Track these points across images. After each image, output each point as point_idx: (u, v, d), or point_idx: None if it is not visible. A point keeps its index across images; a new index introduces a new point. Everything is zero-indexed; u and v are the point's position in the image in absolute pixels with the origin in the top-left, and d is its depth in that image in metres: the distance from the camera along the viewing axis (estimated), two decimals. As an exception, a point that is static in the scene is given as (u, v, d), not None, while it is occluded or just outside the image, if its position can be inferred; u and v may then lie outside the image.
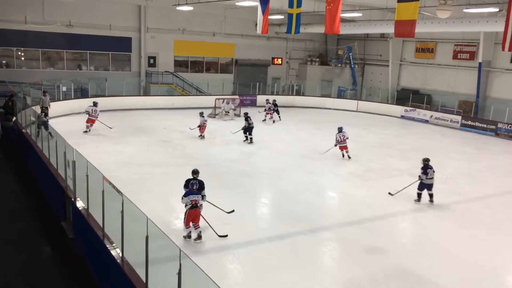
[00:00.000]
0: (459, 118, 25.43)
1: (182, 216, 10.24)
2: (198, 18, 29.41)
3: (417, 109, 27.51)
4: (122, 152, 15.96)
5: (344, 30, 26.07)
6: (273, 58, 33.55)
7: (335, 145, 16.63)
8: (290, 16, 18.75)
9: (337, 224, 10.73)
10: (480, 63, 26.02)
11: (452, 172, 15.68)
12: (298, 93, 32.28)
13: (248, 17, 29.35)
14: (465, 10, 20.06)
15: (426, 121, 26.63)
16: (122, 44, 28.29)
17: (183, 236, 9.21)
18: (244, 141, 18.71)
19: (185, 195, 9.05)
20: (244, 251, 9.02)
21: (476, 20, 20.56)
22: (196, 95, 29.19)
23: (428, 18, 22.12)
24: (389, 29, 18.69)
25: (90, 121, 18.66)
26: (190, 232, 9.19)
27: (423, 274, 8.37)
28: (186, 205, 9.09)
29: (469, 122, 24.86)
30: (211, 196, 10.01)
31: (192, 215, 9.06)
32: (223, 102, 25.02)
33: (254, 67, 32.61)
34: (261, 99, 28.95)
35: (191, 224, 9.12)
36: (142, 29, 28.50)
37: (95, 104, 18.85)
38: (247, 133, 18.78)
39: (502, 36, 12.94)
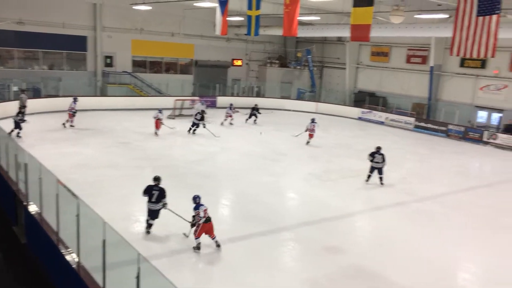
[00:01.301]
0: (412, 120, 26.39)
1: (141, 218, 10.10)
2: (156, 17, 28.99)
3: (373, 111, 28.33)
4: (79, 154, 15.50)
5: (302, 33, 26.48)
6: (233, 60, 33.56)
7: (306, 131, 19.54)
8: (249, 18, 18.84)
9: (297, 224, 10.87)
10: (431, 67, 27.15)
11: (406, 172, 16.26)
12: (258, 94, 32.50)
13: (207, 18, 29.19)
14: (416, 16, 20.88)
15: (382, 123, 27.46)
16: (77, 43, 27.43)
17: (193, 247, 8.91)
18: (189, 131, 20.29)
19: (196, 208, 8.92)
20: (205, 253, 8.97)
21: (427, 25, 21.41)
22: (155, 96, 28.74)
23: (382, 23, 22.82)
24: (346, 33, 19.14)
25: (69, 116, 19.53)
26: (199, 243, 8.90)
27: (380, 272, 8.63)
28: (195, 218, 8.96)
29: (422, 124, 25.86)
30: (172, 198, 9.89)
31: (206, 228, 8.88)
32: (192, 103, 24.94)
33: (214, 68, 32.50)
34: (221, 100, 28.93)
35: (203, 235, 8.90)
36: (97, 28, 27.75)
37: (74, 99, 19.71)
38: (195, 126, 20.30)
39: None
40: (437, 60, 27.01)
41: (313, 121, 19.80)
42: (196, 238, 8.88)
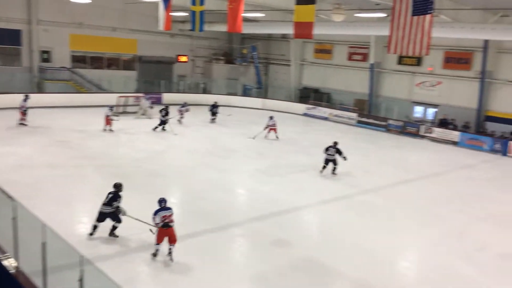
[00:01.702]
0: (355, 115, 27.28)
1: (84, 219, 9.78)
2: (96, 11, 27.90)
3: (318, 107, 28.99)
4: (15, 154, 14.68)
5: (247, 29, 26.50)
6: (178, 56, 33.02)
7: (265, 129, 20.25)
8: (193, 13, 18.67)
9: (246, 220, 10.94)
10: (371, 64, 28.18)
11: (350, 166, 16.74)
12: (204, 91, 32.25)
13: (150, 13, 28.48)
14: (356, 15, 21.58)
15: (326, 118, 28.16)
16: (10, 37, 25.87)
17: (151, 254, 8.54)
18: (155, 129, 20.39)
19: (155, 213, 8.50)
20: (151, 252, 8.79)
21: (367, 24, 22.21)
22: (97, 93, 27.72)
23: (324, 21, 23.38)
24: (290, 30, 19.40)
25: (21, 114, 19.16)
26: (157, 250, 8.52)
27: (328, 263, 8.87)
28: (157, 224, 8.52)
29: (364, 119, 26.80)
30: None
31: (164, 233, 8.47)
32: (136, 100, 24.30)
33: (159, 64, 31.85)
34: (167, 97, 28.44)
35: (165, 241, 8.50)
36: (33, 21, 26.31)
37: (26, 97, 19.40)
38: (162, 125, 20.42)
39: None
40: (376, 57, 28.08)
41: (272, 118, 20.55)
42: (155, 244, 8.55)
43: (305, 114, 29.23)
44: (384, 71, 28.47)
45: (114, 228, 9.26)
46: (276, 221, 11.00)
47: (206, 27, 23.60)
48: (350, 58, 30.22)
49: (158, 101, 28.00)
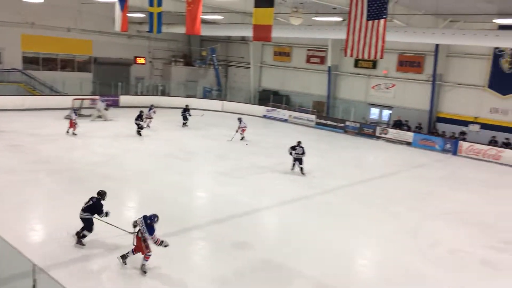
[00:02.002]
0: (313, 117, 27.74)
1: (38, 227, 9.48)
2: (49, 11, 26.96)
3: (277, 109, 29.27)
4: (-40, 160, 13.96)
5: (206, 31, 26.43)
6: (135, 57, 32.41)
7: (237, 131, 20.72)
8: (151, 15, 18.44)
9: (206, 222, 10.88)
10: (329, 67, 28.77)
11: (309, 167, 17.02)
12: (163, 93, 31.84)
13: (106, 13, 27.83)
14: (314, 18, 21.98)
15: (286, 120, 28.47)
16: (-45, 37, 24.65)
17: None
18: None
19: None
20: (109, 259, 8.59)
21: (324, 28, 22.63)
22: (50, 95, 26.79)
23: (283, 24, 23.66)
24: (249, 33, 19.52)
25: None
26: (128, 253, 8.32)
27: (287, 264, 8.97)
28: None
29: (322, 121, 27.29)
30: (71, 203, 9.34)
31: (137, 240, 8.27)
32: (93, 102, 23.67)
33: (116, 66, 31.16)
34: (124, 99, 27.90)
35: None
36: (-19, 21, 25.18)
37: None
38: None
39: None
40: (334, 60, 28.69)
41: (241, 120, 21.03)
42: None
43: (264, 116, 29.42)
44: (341, 73, 29.12)
45: (83, 236, 8.98)
46: (237, 223, 11.02)
47: (164, 29, 23.35)
48: (308, 61, 30.72)
49: (115, 104, 27.44)
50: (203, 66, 34.64)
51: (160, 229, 9.94)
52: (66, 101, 23.83)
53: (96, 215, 8.99)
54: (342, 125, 26.37)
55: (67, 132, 19.12)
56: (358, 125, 25.80)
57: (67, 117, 22.36)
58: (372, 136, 24.83)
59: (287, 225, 11.41)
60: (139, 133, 20.17)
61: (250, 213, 11.77)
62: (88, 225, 8.96)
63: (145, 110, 21.76)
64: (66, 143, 17.70)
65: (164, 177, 14.17)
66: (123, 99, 28.05)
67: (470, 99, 23.79)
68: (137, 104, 28.07)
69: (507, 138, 21.51)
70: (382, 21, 13.09)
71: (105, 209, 9.01)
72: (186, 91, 32.51)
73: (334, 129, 26.48)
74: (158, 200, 12.05)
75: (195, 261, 9.21)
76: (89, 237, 8.99)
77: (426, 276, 8.99)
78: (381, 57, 13.92)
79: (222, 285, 8.04)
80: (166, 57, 34.64)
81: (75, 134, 19.06)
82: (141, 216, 8.33)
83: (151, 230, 8.12)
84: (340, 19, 22.15)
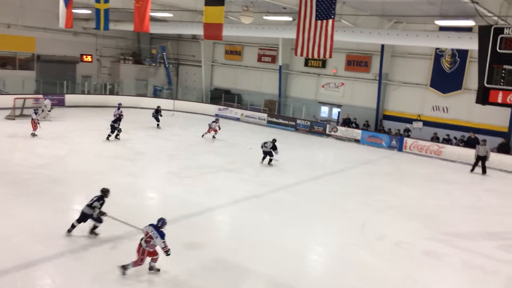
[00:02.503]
0: (265, 115, 27.97)
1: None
2: (-13, 6, 25.59)
3: (230, 108, 29.26)
4: None
5: (156, 29, 26.02)
6: (82, 55, 31.33)
7: (208, 132, 21.26)
8: (97, 11, 17.91)
9: (157, 224, 10.67)
10: (280, 66, 29.10)
11: (261, 166, 17.18)
12: (112, 92, 30.96)
13: (50, 9, 26.72)
14: (265, 17, 22.16)
15: (238, 119, 28.52)
16: None
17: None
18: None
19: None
20: (54, 264, 8.28)
21: (275, 27, 22.88)
22: (-11, 95, 25.40)
23: (234, 22, 23.69)
24: (199, 31, 19.40)
25: None
26: (129, 265, 8.03)
27: (241, 263, 8.98)
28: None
29: (274, 119, 27.58)
30: (12, 207, 8.89)
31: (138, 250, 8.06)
32: (36, 101, 22.62)
33: (61, 64, 29.92)
34: (70, 98, 26.91)
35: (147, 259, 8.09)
36: None
37: None
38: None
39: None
40: (284, 59, 29.04)
41: (215, 121, 21.56)
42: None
43: (216, 115, 29.29)
44: (292, 72, 29.54)
45: (94, 227, 9.51)
46: (189, 223, 10.92)
47: (112, 26, 22.73)
48: (260, 60, 30.93)
49: (60, 103, 26.40)
50: (153, 64, 34.02)
51: (110, 232, 9.73)
52: (7, 100, 22.63)
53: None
54: (293, 123, 26.76)
55: (33, 134, 18.33)
56: (309, 123, 26.28)
57: (9, 117, 21.34)
58: (322, 134, 25.38)
59: (240, 224, 11.44)
60: (117, 136, 19.27)
61: (202, 213, 11.69)
62: (84, 218, 9.40)
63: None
64: (6, 144, 16.83)
65: (112, 179, 13.75)
66: (69, 98, 27.05)
67: (414, 98, 24.86)
68: (84, 104, 27.27)
69: (447, 135, 22.67)
70: (330, 21, 13.42)
71: (101, 209, 9.38)
72: (136, 90, 31.79)
73: (286, 127, 26.83)
74: (106, 202, 11.68)
75: (146, 264, 9.00)
76: (29, 240, 8.59)
77: (374, 268, 9.31)
78: (330, 57, 14.27)
79: (174, 287, 7.94)
80: (114, 55, 33.71)
81: (35, 135, 18.35)
82: (147, 225, 8.17)
83: (162, 234, 8.09)
84: (290, 18, 22.47)
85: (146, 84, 32.55)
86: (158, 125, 23.09)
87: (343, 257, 9.77)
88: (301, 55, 14.35)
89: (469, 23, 17.64)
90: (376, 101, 25.76)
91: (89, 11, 25.47)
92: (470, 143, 21.48)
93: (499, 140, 21.21)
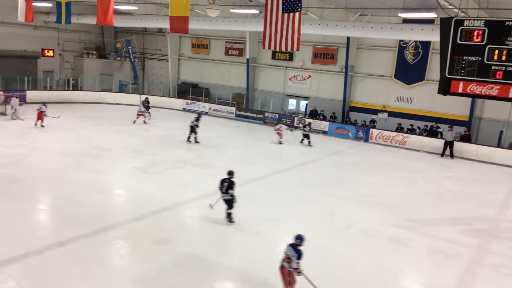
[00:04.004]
0: (233, 109, 27.92)
1: None
2: None
3: (197, 102, 29.05)
4: None
5: (120, 22, 25.51)
6: (43, 50, 30.30)
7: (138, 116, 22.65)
8: (58, 4, 17.41)
9: (124, 221, 10.53)
10: (247, 59, 29.05)
11: (230, 158, 17.15)
12: (75, 87, 30.18)
13: (8, 2, 25.73)
14: (232, 10, 22.04)
15: (206, 113, 28.33)
16: None
17: None
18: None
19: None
20: (18, 266, 8.03)
21: (242, 20, 22.80)
22: None
23: (200, 15, 23.45)
24: (165, 24, 19.13)
25: None
26: None
27: (210, 257, 8.97)
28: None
29: (242, 113, 27.56)
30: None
31: (281, 272, 7.47)
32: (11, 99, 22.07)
33: (21, 59, 28.86)
34: (31, 95, 26.06)
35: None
36: None
37: None
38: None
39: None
40: (252, 52, 29.01)
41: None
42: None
43: (184, 110, 29.06)
44: (260, 65, 29.56)
45: (228, 214, 10.56)
46: (157, 219, 10.81)
47: (74, 20, 22.14)
48: (227, 53, 30.78)
49: (21, 100, 25.47)
50: (118, 58, 33.34)
51: (74, 231, 9.53)
52: (-37, 97, 21.72)
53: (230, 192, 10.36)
54: (261, 116, 26.82)
55: (35, 124, 19.78)
56: (277, 116, 26.40)
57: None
58: (290, 126, 25.51)
59: (208, 218, 11.38)
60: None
61: (170, 208, 11.60)
62: (230, 204, 10.50)
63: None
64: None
65: (77, 177, 13.46)
66: (30, 94, 26.19)
67: (379, 89, 25.36)
68: (47, 100, 26.40)
69: (411, 125, 23.26)
70: (297, 14, 13.49)
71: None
72: (101, 85, 31.08)
73: (254, 120, 26.87)
74: (71, 200, 11.45)
75: (113, 262, 8.88)
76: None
77: (342, 255, 9.53)
78: (297, 49, 14.36)
79: (144, 283, 7.86)
80: (77, 49, 32.83)
81: (43, 126, 19.83)
82: (287, 245, 7.51)
83: (299, 254, 7.35)
84: (257, 11, 22.43)
85: (111, 79, 31.84)
86: (148, 117, 23.57)
87: (312, 245, 9.83)
88: (269, 48, 14.37)
89: (432, 15, 18.10)
90: (342, 93, 26.13)
91: (50, 4, 24.65)
92: (432, 133, 22.16)
93: (461, 130, 21.96)
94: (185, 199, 12.38)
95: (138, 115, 22.99)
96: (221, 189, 10.54)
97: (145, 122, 22.94)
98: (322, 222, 11.38)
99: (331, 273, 8.72)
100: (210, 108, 28.47)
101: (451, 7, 15.90)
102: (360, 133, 23.64)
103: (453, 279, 8.96)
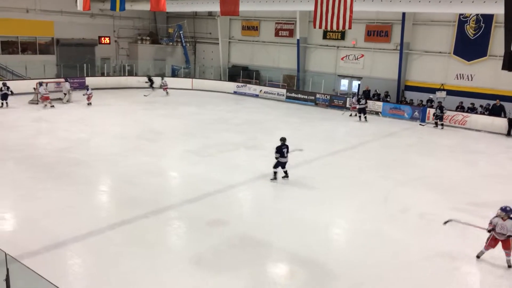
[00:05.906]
0: (284, 91, 27.75)
1: (7, 216, 9.29)
2: (5, -9, 25.81)
3: (248, 85, 29.13)
4: None
5: (172, 7, 25.88)
6: (100, 37, 31.51)
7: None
8: (113, -8, 17.82)
9: (180, 202, 10.85)
10: (298, 40, 28.63)
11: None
12: (131, 73, 31.15)
13: (66, -7, 26.94)
14: (282, -10, 21.69)
15: (257, 96, 28.39)
16: None
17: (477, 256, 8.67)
18: None
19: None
20: (82, 245, 8.50)
21: (292, 0, 22.39)
22: (13, 80, 25.83)
23: (250, -3, 23.24)
24: (216, 8, 19.19)
25: None
26: (481, 252, 8.61)
27: (263, 238, 9.06)
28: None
29: (293, 94, 27.34)
30: (38, 190, 9.10)
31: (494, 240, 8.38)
32: (58, 85, 23.15)
33: (80, 47, 30.20)
34: (90, 81, 27.18)
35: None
36: None
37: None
38: None
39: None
40: (302, 33, 28.55)
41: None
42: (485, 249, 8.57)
43: (235, 93, 29.25)
44: (310, 46, 29.06)
45: (285, 172, 12.37)
46: (211, 201, 11.03)
47: (128, 7, 22.71)
48: (277, 34, 30.49)
49: (81, 86, 26.72)
50: (170, 43, 33.98)
51: (133, 212, 9.94)
52: (30, 85, 23.01)
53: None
54: (312, 97, 26.49)
55: (45, 105, 21.12)
56: (328, 97, 25.96)
57: (32, 101, 21.73)
58: (342, 107, 25.05)
59: (262, 200, 11.50)
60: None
61: (223, 190, 11.78)
62: (284, 165, 12.25)
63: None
64: (31, 129, 17.21)
65: (133, 160, 13.97)
66: (89, 80, 27.31)
67: (436, 66, 24.21)
68: (104, 86, 27.50)
69: (472, 103, 22.08)
70: (348, -9, 13.08)
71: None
72: (154, 70, 31.89)
73: (305, 102, 26.60)
74: (129, 183, 11.93)
75: (170, 241, 9.20)
76: (58, 221, 8.83)
77: (398, 240, 9.28)
78: (350, 28, 13.99)
79: (199, 264, 8.07)
80: (132, 36, 33.79)
81: (53, 106, 21.14)
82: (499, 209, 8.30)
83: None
84: (307, -10, 21.93)
85: (164, 64, 32.55)
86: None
87: (366, 230, 9.74)
88: (320, 27, 14.10)
89: (494, -14, 16.90)
90: (397, 72, 25.20)
91: (104, -7, 25.46)
92: (495, 112, 20.93)
93: (526, 107, 20.61)
94: (238, 181, 12.52)
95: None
96: (282, 155, 12.03)
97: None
98: (376, 206, 11.13)
99: (387, 258, 8.53)
100: (260, 90, 28.46)
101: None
102: (416, 113, 22.78)
103: (518, 266, 8.50)
